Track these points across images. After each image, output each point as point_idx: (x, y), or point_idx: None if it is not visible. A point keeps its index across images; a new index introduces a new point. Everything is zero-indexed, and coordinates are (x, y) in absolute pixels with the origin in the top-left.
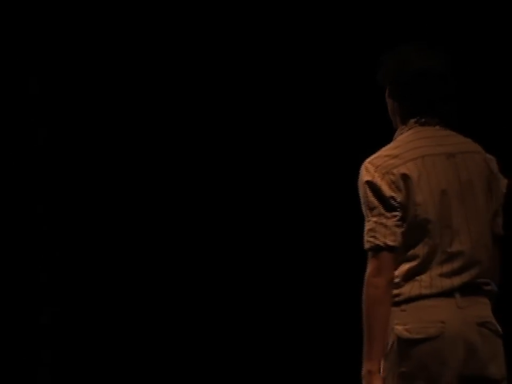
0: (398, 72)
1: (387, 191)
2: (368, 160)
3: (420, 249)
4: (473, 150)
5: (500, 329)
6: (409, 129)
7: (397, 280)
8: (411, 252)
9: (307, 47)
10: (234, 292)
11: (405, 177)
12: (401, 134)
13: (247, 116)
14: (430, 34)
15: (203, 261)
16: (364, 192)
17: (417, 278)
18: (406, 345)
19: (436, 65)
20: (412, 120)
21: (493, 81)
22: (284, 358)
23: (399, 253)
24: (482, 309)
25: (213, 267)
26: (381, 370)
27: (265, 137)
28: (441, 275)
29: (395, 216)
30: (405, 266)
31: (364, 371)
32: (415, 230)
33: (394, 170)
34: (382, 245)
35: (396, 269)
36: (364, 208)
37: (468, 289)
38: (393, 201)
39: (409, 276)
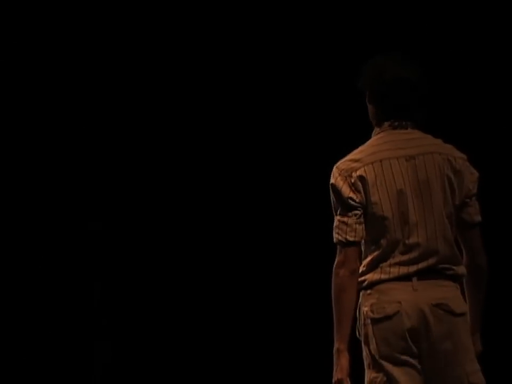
0: (375, 80)
1: (346, 192)
2: (336, 164)
3: (381, 242)
4: (435, 151)
5: (456, 309)
6: (382, 131)
7: (363, 269)
8: (374, 245)
9: (299, 56)
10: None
11: (362, 179)
12: (372, 137)
13: (246, 117)
14: (404, 45)
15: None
16: (331, 194)
17: (379, 266)
18: (372, 324)
19: (408, 74)
20: (386, 123)
21: (460, 88)
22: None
23: (365, 246)
24: (440, 291)
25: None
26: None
27: (262, 138)
28: (400, 263)
29: (355, 214)
30: (369, 257)
31: (334, 350)
32: (375, 226)
33: (353, 174)
34: (343, 240)
35: (361, 260)
36: (332, 207)
37: (425, 275)
38: (352, 202)
39: (373, 265)
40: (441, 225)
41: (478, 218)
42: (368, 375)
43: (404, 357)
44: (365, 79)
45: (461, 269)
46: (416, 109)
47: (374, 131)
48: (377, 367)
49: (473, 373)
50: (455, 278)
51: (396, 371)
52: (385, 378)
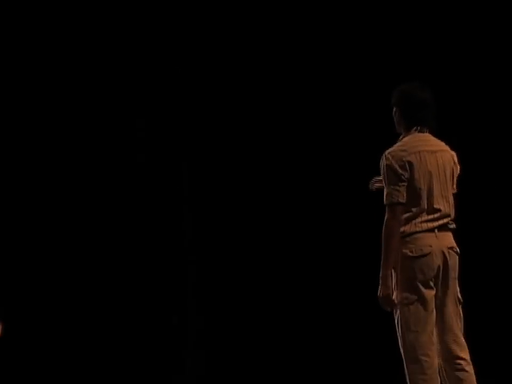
0: (405, 100)
1: (400, 170)
2: (387, 152)
3: (416, 206)
4: (445, 149)
5: (458, 251)
6: (411, 134)
7: (403, 223)
8: (410, 207)
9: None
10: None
11: (409, 163)
12: (405, 137)
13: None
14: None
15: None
16: (386, 171)
17: (413, 222)
18: (411, 260)
19: (426, 97)
20: (413, 129)
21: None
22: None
23: (404, 207)
24: (449, 239)
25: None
26: (393, 278)
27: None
28: (427, 221)
29: (403, 185)
30: (407, 215)
31: (382, 274)
32: (413, 194)
33: (403, 158)
34: (395, 201)
35: (402, 217)
36: (384, 180)
37: (441, 228)
38: (402, 176)
39: (409, 221)
40: (449, 198)
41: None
42: (399, 295)
43: (431, 283)
44: (398, 99)
45: (454, 225)
46: (431, 120)
47: (403, 134)
48: (412, 288)
49: (458, 291)
50: (453, 231)
51: (426, 292)
52: (415, 297)
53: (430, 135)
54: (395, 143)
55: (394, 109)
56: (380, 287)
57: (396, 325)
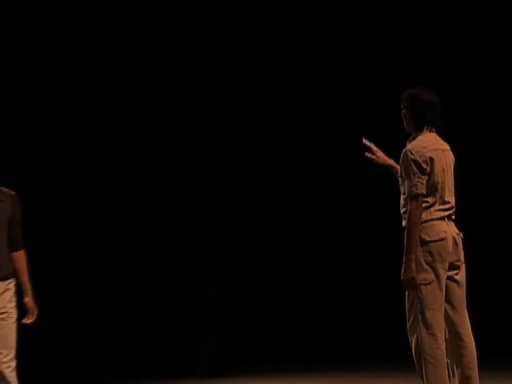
0: (415, 103)
1: (424, 165)
2: (409, 148)
3: (432, 197)
4: (449, 148)
5: (462, 236)
6: (423, 133)
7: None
8: (428, 198)
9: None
10: None
11: (430, 159)
12: (418, 135)
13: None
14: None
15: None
16: (409, 166)
17: (429, 210)
18: (429, 243)
19: (434, 100)
20: (425, 129)
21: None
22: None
23: (423, 198)
24: (454, 227)
25: None
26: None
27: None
28: (440, 210)
29: (425, 178)
30: (425, 205)
31: (406, 258)
32: (431, 187)
33: (426, 154)
34: (420, 192)
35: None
36: (407, 174)
37: (449, 218)
38: (425, 171)
39: (425, 210)
40: (454, 191)
41: None
42: (421, 275)
43: (446, 264)
44: (408, 102)
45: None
46: (438, 121)
47: (415, 134)
48: (431, 269)
49: (464, 273)
50: (454, 221)
51: (442, 273)
52: (433, 278)
53: (437, 135)
54: (405, 141)
55: (404, 111)
56: (403, 270)
57: (410, 305)
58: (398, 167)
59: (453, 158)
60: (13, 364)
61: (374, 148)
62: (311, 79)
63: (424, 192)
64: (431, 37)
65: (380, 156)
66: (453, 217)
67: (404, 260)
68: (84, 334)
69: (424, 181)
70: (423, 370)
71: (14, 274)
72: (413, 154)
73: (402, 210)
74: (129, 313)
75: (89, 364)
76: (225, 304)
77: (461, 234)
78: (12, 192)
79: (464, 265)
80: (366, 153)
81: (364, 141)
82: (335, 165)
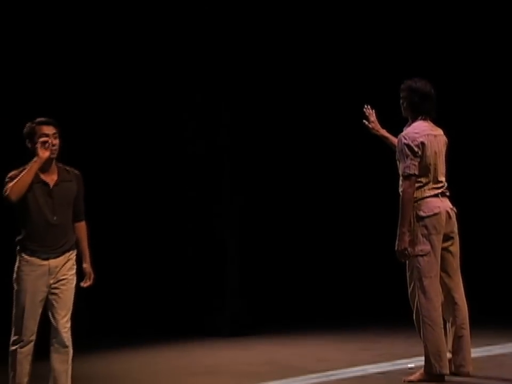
0: (412, 94)
1: (415, 148)
2: (403, 134)
3: (425, 177)
4: (442, 134)
5: (456, 211)
6: (418, 121)
7: (416, 190)
8: (421, 178)
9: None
10: None
11: (422, 143)
12: (413, 122)
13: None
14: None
15: None
16: (403, 149)
17: (424, 188)
18: (425, 218)
19: (430, 91)
20: (419, 117)
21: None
22: None
23: (416, 178)
24: (449, 202)
25: None
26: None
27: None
28: (433, 188)
29: (418, 160)
30: (418, 185)
31: (400, 232)
32: (424, 168)
33: (417, 139)
34: (412, 173)
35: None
36: (402, 156)
37: (443, 195)
38: (417, 154)
39: (419, 189)
40: (445, 172)
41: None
42: (416, 248)
43: (441, 236)
44: (406, 93)
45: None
46: (432, 110)
47: (410, 120)
48: (428, 240)
49: (458, 243)
50: (449, 197)
51: (437, 243)
52: (429, 248)
53: (430, 122)
54: (403, 127)
55: (402, 100)
56: (397, 242)
57: (411, 274)
58: (391, 138)
59: (446, 141)
60: (68, 324)
61: (372, 118)
62: (311, 78)
63: (417, 173)
64: (431, 30)
65: (375, 126)
66: (447, 193)
67: (398, 233)
68: (119, 292)
69: (417, 163)
70: (422, 331)
71: (76, 245)
72: (406, 139)
73: (400, 190)
74: (158, 272)
75: (121, 321)
76: (246, 262)
77: (455, 209)
78: (77, 172)
79: (457, 236)
80: (364, 121)
81: (366, 108)
82: (343, 143)
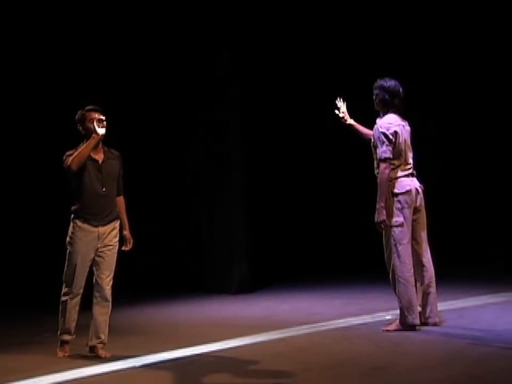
0: (383, 90)
1: (390, 136)
2: (379, 124)
3: (398, 160)
4: (407, 124)
5: (423, 188)
6: (390, 113)
7: (391, 171)
8: (395, 161)
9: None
10: None
11: (395, 132)
12: (385, 115)
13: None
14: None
15: None
16: (380, 137)
17: (397, 169)
18: (399, 195)
19: (399, 88)
20: (390, 110)
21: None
22: None
23: (391, 161)
24: (417, 181)
25: None
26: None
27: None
28: (405, 169)
29: (392, 146)
30: (392, 166)
31: (379, 206)
32: (397, 153)
33: (391, 128)
34: (388, 156)
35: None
36: (378, 143)
37: (412, 175)
38: (391, 140)
39: (393, 170)
40: (412, 155)
41: None
42: (392, 219)
43: (411, 210)
44: (378, 89)
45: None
46: (401, 104)
47: (382, 113)
48: (401, 213)
49: (425, 215)
50: (417, 176)
51: (408, 216)
52: (402, 219)
53: (400, 114)
54: (376, 118)
55: (374, 96)
56: (376, 214)
57: (387, 241)
58: (357, 125)
59: (409, 130)
60: (111, 283)
61: (343, 109)
62: (311, 78)
63: (392, 157)
64: (405, 31)
65: (345, 116)
66: (415, 173)
67: (376, 207)
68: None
69: (391, 148)
70: (396, 288)
71: (118, 216)
72: (382, 128)
73: (376, 171)
74: (165, 235)
75: (135, 282)
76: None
77: (422, 187)
78: (118, 153)
79: (424, 209)
80: (336, 111)
81: (338, 100)
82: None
